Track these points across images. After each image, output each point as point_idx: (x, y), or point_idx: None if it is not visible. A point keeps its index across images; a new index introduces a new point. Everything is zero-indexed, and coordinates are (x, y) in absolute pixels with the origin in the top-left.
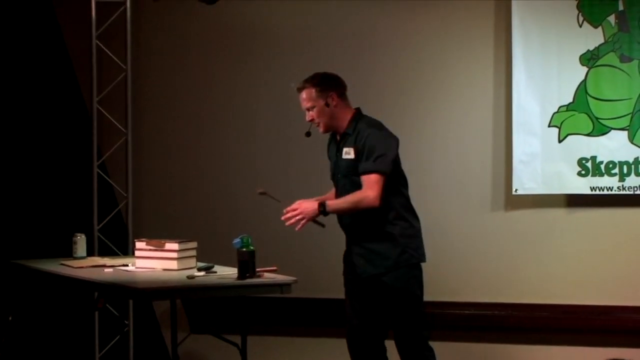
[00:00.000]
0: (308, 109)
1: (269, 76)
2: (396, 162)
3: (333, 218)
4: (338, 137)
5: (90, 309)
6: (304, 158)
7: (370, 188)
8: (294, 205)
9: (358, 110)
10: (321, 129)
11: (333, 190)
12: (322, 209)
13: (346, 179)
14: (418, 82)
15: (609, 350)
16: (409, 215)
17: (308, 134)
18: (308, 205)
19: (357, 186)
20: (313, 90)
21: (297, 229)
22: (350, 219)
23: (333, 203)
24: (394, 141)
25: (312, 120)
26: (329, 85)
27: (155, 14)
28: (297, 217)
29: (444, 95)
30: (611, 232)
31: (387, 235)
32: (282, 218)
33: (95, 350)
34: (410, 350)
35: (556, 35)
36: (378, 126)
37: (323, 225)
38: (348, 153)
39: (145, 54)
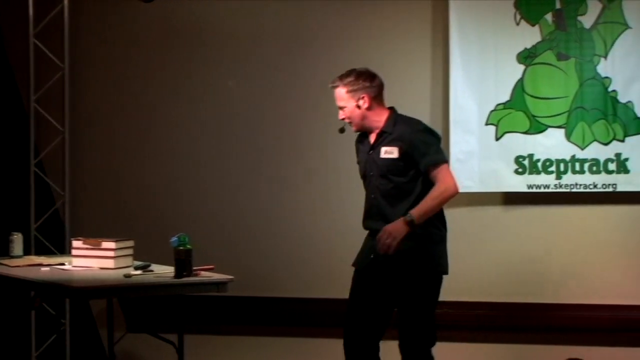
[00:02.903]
0: (340, 108)
1: (208, 74)
2: None
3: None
4: (372, 137)
5: (27, 307)
6: (246, 154)
7: (445, 176)
8: (382, 234)
9: (393, 108)
10: (353, 128)
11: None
12: (411, 222)
13: (384, 178)
14: None
15: (548, 348)
16: (438, 220)
17: (341, 131)
18: (395, 226)
19: (400, 186)
20: (343, 91)
21: (391, 252)
22: (395, 216)
23: (418, 211)
24: (439, 137)
25: (344, 119)
26: (361, 86)
27: (93, 12)
28: (389, 242)
29: None
30: (548, 230)
31: (414, 237)
32: (380, 251)
33: (32, 349)
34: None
35: (493, 33)
36: (420, 122)
37: None
38: (390, 152)
39: (84, 52)
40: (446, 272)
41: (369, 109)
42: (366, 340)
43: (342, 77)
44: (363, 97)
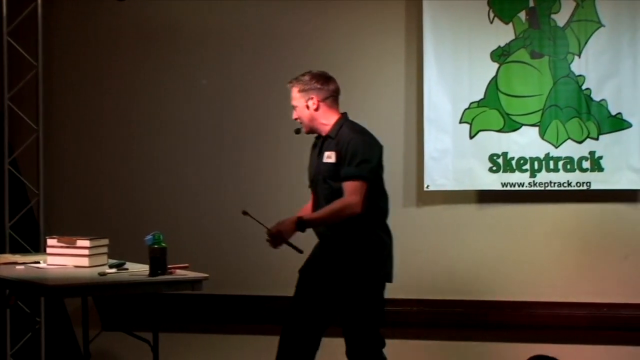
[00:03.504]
0: (293, 108)
1: (180, 72)
2: (377, 171)
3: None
4: (321, 141)
5: (2, 306)
6: (223, 152)
7: (351, 194)
8: (269, 230)
9: (344, 115)
10: (304, 130)
11: (310, 203)
12: (300, 225)
13: (325, 183)
14: None
15: (517, 346)
16: (380, 229)
17: (297, 132)
18: (283, 224)
19: (336, 191)
20: (296, 90)
21: (274, 247)
22: (324, 227)
23: (311, 216)
24: (377, 149)
25: (296, 119)
26: (312, 87)
27: (67, 11)
28: (275, 241)
29: (355, 92)
30: (522, 228)
31: (353, 246)
32: (267, 240)
33: (7, 348)
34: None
35: (467, 31)
36: (361, 132)
37: (300, 251)
38: (329, 157)
39: (57, 50)
40: (389, 280)
41: (316, 110)
42: (301, 340)
43: (297, 77)
44: (312, 98)
